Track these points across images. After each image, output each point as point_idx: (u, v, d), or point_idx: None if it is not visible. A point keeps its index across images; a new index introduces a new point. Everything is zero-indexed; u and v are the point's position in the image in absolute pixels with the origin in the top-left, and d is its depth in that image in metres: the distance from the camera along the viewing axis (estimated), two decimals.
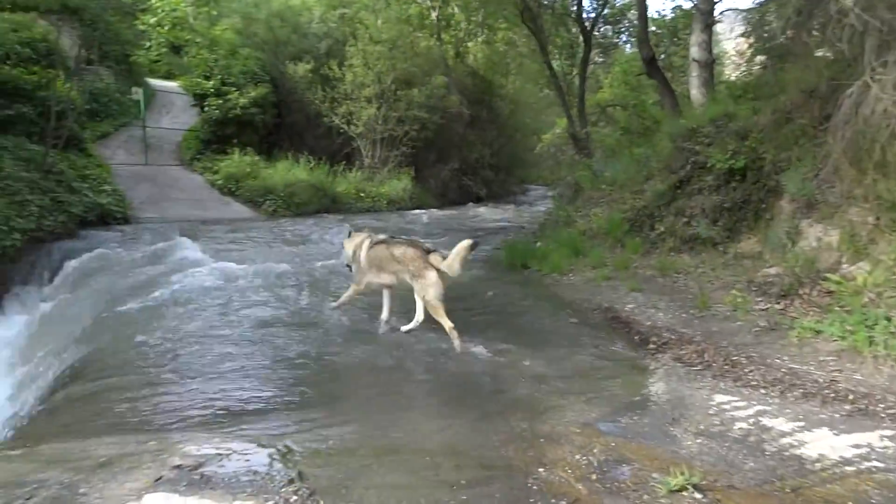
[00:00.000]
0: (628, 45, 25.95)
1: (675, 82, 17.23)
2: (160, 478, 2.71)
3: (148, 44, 25.55)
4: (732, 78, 14.91)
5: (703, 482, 2.84)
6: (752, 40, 11.16)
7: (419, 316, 5.32)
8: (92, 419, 3.70)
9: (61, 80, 12.64)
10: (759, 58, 11.02)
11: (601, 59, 27.74)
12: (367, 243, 5.51)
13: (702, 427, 3.57)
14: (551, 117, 26.75)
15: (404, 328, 5.39)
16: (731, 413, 3.75)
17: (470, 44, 24.90)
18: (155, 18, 25.20)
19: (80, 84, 15.30)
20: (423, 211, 17.61)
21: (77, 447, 3.25)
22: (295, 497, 2.59)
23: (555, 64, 20.45)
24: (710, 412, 3.78)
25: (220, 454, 3.00)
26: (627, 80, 19.57)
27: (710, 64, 11.10)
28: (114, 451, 3.13)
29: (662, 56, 20.10)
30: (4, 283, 7.93)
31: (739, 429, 3.53)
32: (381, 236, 5.61)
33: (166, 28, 25.54)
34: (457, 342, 4.92)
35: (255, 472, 2.81)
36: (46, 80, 12.27)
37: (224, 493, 2.60)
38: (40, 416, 4.08)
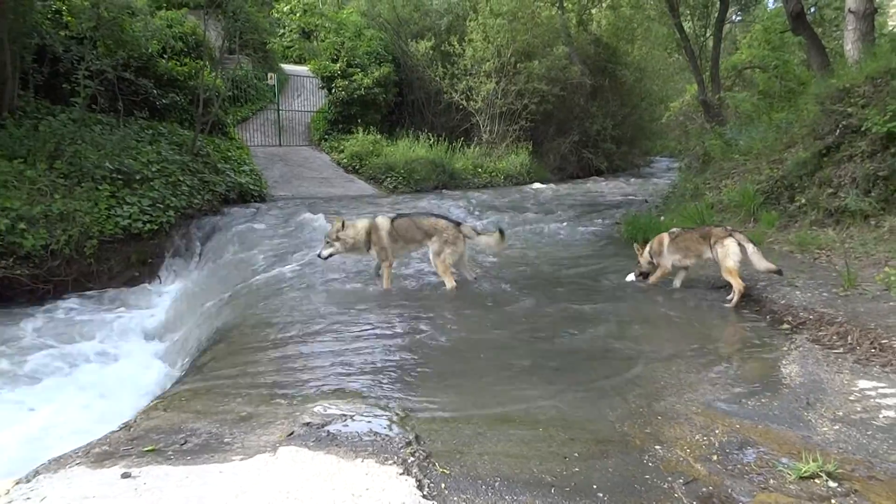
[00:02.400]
0: (771, 0, 23.68)
1: (826, 38, 15.49)
2: (292, 433, 2.96)
3: (281, 31, 27.15)
4: None
5: (839, 470, 2.62)
6: None
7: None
8: (234, 377, 4.07)
9: (208, 70, 13.77)
10: None
11: (738, 18, 25.53)
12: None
13: (840, 413, 3.27)
14: (681, 84, 25.17)
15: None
16: (877, 400, 3.38)
17: (594, 10, 23.87)
18: (288, 6, 26.66)
19: (224, 73, 16.62)
20: (542, 185, 17.38)
21: (222, 402, 3.61)
22: (412, 458, 2.71)
23: (686, 26, 19.00)
24: (851, 398, 3.44)
25: (344, 415, 3.20)
26: (769, 39, 17.81)
27: (871, 14, 9.79)
28: (252, 407, 3.46)
29: (812, 10, 18.08)
30: (161, 255, 8.96)
31: (885, 417, 3.19)
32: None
33: (298, 14, 26.94)
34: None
35: (376, 434, 2.97)
36: (195, 71, 13.50)
37: (348, 450, 2.78)
38: (191, 373, 4.56)
